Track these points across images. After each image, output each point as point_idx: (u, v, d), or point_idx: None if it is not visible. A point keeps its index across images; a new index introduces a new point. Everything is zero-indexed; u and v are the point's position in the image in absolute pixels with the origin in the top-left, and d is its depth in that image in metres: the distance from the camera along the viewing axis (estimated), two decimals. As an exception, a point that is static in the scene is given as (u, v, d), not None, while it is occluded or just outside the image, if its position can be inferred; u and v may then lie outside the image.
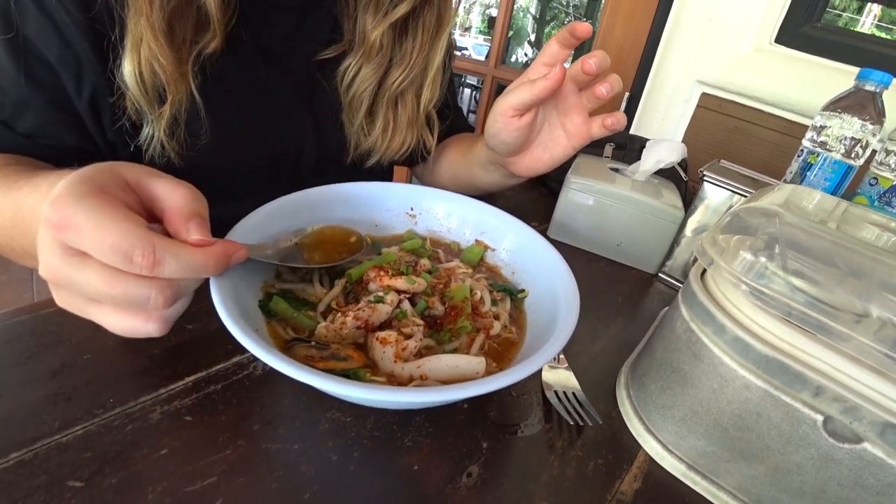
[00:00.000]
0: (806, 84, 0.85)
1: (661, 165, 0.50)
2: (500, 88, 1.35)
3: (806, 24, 0.88)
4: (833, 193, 0.57)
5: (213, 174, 0.39)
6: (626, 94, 1.01)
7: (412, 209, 0.40)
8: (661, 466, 0.28)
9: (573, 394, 0.30)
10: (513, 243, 0.37)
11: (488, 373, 0.26)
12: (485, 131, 0.43)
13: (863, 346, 0.22)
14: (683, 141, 0.93)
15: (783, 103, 0.85)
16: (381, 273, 0.31)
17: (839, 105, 0.57)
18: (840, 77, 0.80)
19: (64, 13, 0.35)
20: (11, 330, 0.30)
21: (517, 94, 0.38)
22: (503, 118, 0.40)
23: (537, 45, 3.35)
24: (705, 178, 0.46)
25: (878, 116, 0.55)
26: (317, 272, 0.32)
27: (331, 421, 0.27)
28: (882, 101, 0.55)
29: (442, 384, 0.25)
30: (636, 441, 0.29)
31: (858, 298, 0.24)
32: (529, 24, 3.50)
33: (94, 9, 0.35)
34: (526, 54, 3.42)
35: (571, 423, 0.28)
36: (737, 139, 0.89)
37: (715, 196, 0.48)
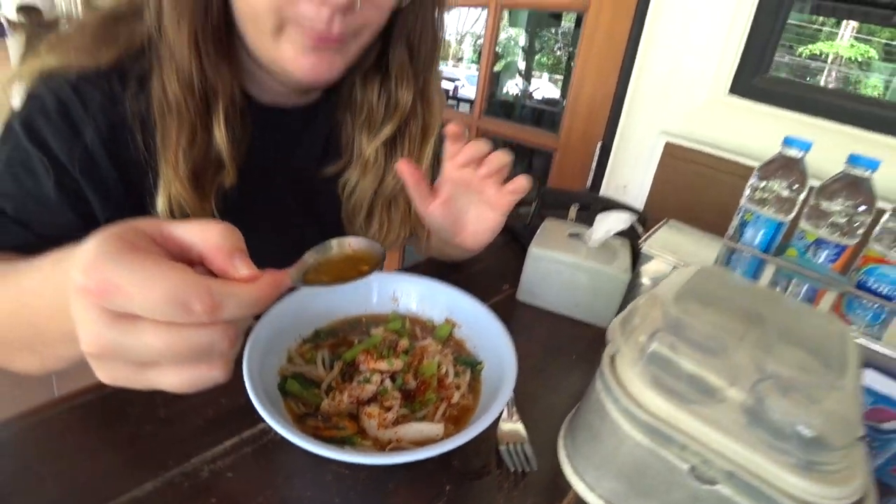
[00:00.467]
0: (760, 131, 0.94)
1: (611, 234, 0.59)
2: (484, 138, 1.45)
3: (756, 75, 0.97)
4: (767, 246, 0.66)
5: None
6: (599, 144, 1.11)
7: (395, 293, 0.49)
8: (586, 503, 0.36)
9: (521, 445, 0.39)
10: (473, 321, 0.46)
11: (446, 435, 0.35)
12: None
13: (712, 415, 0.30)
14: (652, 187, 1.02)
15: (740, 150, 0.94)
16: (369, 357, 0.40)
17: (769, 168, 0.66)
18: (789, 124, 0.90)
19: (104, 162, 0.43)
20: (81, 407, 0.39)
21: (415, 196, 0.50)
22: (426, 217, 0.51)
23: (527, 77, 3.48)
24: (641, 249, 0.55)
25: (802, 178, 0.64)
26: (320, 356, 0.41)
27: (334, 473, 0.35)
28: (805, 164, 0.64)
29: (413, 445, 0.34)
30: (568, 482, 0.37)
31: (718, 377, 0.32)
32: (520, 56, 3.64)
33: (129, 161, 0.44)
34: (517, 85, 3.54)
35: (514, 469, 0.37)
36: (701, 184, 0.98)
37: (652, 263, 0.57)
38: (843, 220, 0.61)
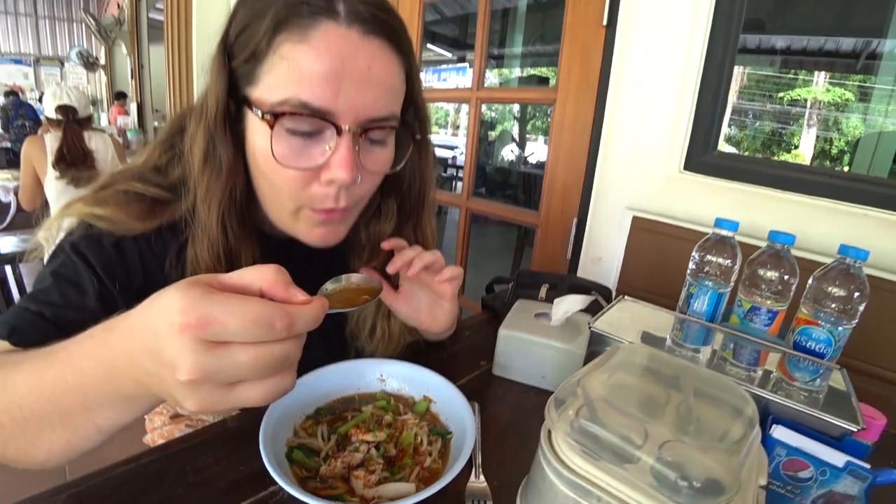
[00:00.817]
0: (713, 201, 1.05)
1: (569, 315, 0.69)
2: (473, 217, 1.58)
3: (705, 153, 1.10)
4: (712, 315, 0.74)
5: None
6: (575, 220, 1.23)
7: (381, 375, 0.59)
8: (538, 552, 0.43)
9: (485, 501, 0.47)
10: (446, 397, 0.55)
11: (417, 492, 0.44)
12: None
13: (624, 475, 0.39)
14: (624, 258, 1.12)
15: (697, 220, 1.05)
16: (359, 430, 0.50)
17: (706, 245, 0.76)
18: (736, 194, 1.01)
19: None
20: (123, 475, 0.47)
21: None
22: (391, 307, 0.62)
23: (521, 144, 3.71)
24: (591, 328, 0.65)
25: (734, 253, 0.74)
26: (319, 430, 0.51)
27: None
28: (735, 242, 0.74)
29: (391, 501, 0.43)
30: (523, 534, 0.45)
31: (631, 443, 0.41)
32: (515, 126, 3.90)
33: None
34: (512, 151, 3.77)
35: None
36: (667, 253, 1.08)
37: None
38: (771, 289, 0.70)
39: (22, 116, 5.77)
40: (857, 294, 0.63)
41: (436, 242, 0.70)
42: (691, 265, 0.77)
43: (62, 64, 12.58)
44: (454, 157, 4.17)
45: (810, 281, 0.68)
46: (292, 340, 0.29)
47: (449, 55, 5.97)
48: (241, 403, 0.30)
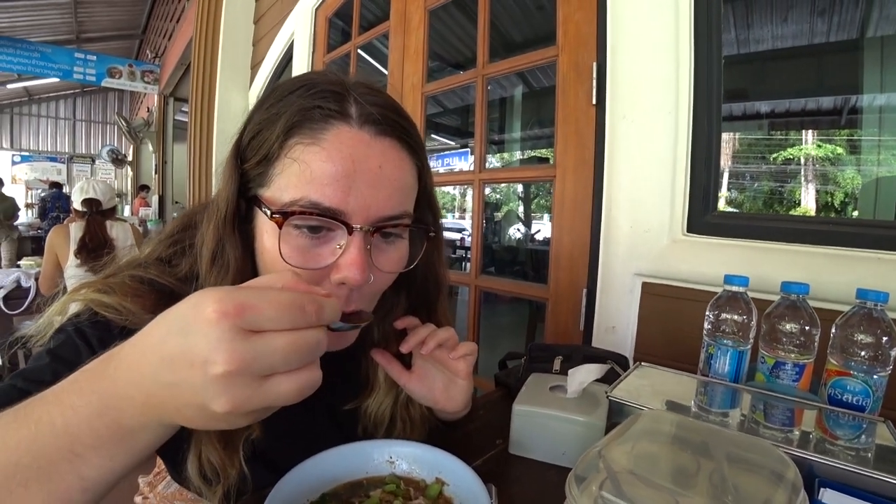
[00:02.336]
0: (720, 261, 1.04)
1: (585, 385, 0.66)
2: (484, 296, 1.58)
3: (706, 214, 1.11)
4: (735, 375, 0.71)
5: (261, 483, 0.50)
6: (585, 290, 1.22)
7: (391, 457, 0.55)
8: None
9: None
10: (459, 480, 0.51)
11: None
12: None
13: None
14: (638, 325, 1.10)
15: (707, 280, 1.03)
16: None
17: (718, 303, 0.74)
18: (743, 251, 1.00)
19: None
20: None
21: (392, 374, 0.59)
22: (404, 388, 0.60)
23: (527, 222, 3.79)
24: (609, 397, 0.62)
25: (747, 309, 0.72)
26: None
27: None
28: (747, 297, 0.72)
29: None
30: None
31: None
32: (520, 206, 4.01)
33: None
34: (518, 230, 3.84)
35: None
36: (681, 316, 1.06)
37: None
38: (793, 341, 0.68)
39: (58, 209, 6.16)
40: (885, 338, 0.61)
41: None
42: (706, 325, 0.75)
43: (93, 161, 13.65)
44: (462, 239, 4.26)
45: (833, 330, 0.66)
46: (321, 328, 0.31)
47: (452, 143, 6.32)
48: (272, 400, 0.29)
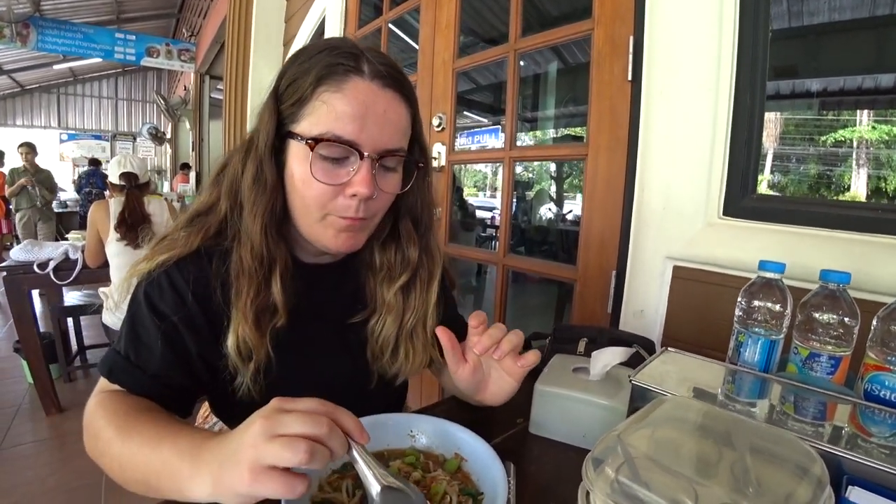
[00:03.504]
0: (757, 247, 1.00)
1: (608, 368, 0.66)
2: (512, 275, 1.57)
3: (744, 197, 1.06)
4: (766, 365, 0.69)
5: (291, 390, 0.60)
6: (614, 273, 1.20)
7: (412, 431, 0.57)
8: None
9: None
10: (478, 457, 0.52)
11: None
12: None
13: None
14: (668, 309, 1.08)
15: (742, 266, 0.99)
16: None
17: (752, 290, 0.72)
18: (782, 236, 0.96)
19: (198, 314, 0.60)
20: None
21: (448, 361, 0.63)
22: (454, 376, 0.63)
23: (559, 201, 3.72)
24: (631, 381, 0.61)
25: (783, 296, 0.69)
26: (345, 485, 0.49)
27: None
28: (783, 285, 0.70)
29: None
30: None
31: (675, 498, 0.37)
32: (552, 185, 3.94)
33: (213, 311, 0.60)
34: (549, 209, 3.79)
35: None
36: (712, 302, 1.03)
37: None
38: (830, 333, 0.65)
39: (91, 185, 6.48)
40: (929, 335, 0.57)
41: (442, 255, 0.76)
42: (738, 311, 0.73)
43: (134, 138, 14.29)
44: (493, 217, 4.22)
45: (874, 322, 0.63)
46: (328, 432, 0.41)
47: (485, 121, 6.22)
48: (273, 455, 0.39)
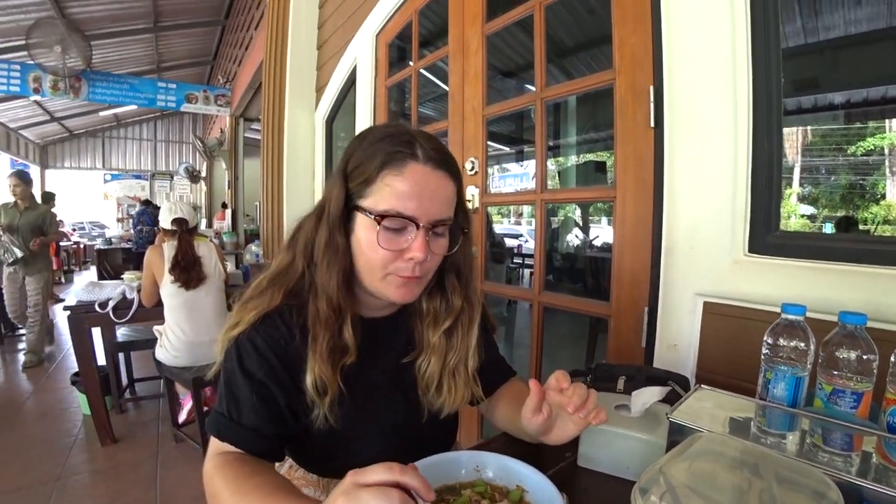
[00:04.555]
0: (783, 282, 1.06)
1: (647, 406, 0.73)
2: (545, 310, 1.65)
3: (767, 234, 1.13)
4: (793, 400, 0.75)
5: (353, 429, 0.74)
6: (646, 309, 1.27)
7: (478, 466, 0.66)
8: None
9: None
10: (537, 488, 0.61)
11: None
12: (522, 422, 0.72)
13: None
14: (700, 345, 1.14)
15: (769, 301, 1.05)
16: None
17: (776, 330, 0.78)
18: (805, 272, 1.02)
19: (283, 373, 0.70)
20: None
21: (526, 407, 0.69)
22: (526, 420, 0.70)
23: (585, 228, 3.79)
24: (669, 418, 0.69)
25: (805, 336, 0.76)
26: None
27: None
28: (805, 325, 0.76)
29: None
30: None
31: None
32: (577, 210, 4.01)
33: (293, 362, 0.70)
34: (577, 236, 3.85)
35: None
36: (742, 336, 1.08)
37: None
38: (851, 370, 0.71)
39: (142, 223, 6.89)
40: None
41: (480, 302, 0.86)
42: (765, 350, 0.79)
43: (171, 177, 15.11)
44: (520, 246, 4.29)
45: (893, 358, 0.68)
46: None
47: (507, 150, 6.37)
48: None
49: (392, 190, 0.68)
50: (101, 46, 7.69)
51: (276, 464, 0.87)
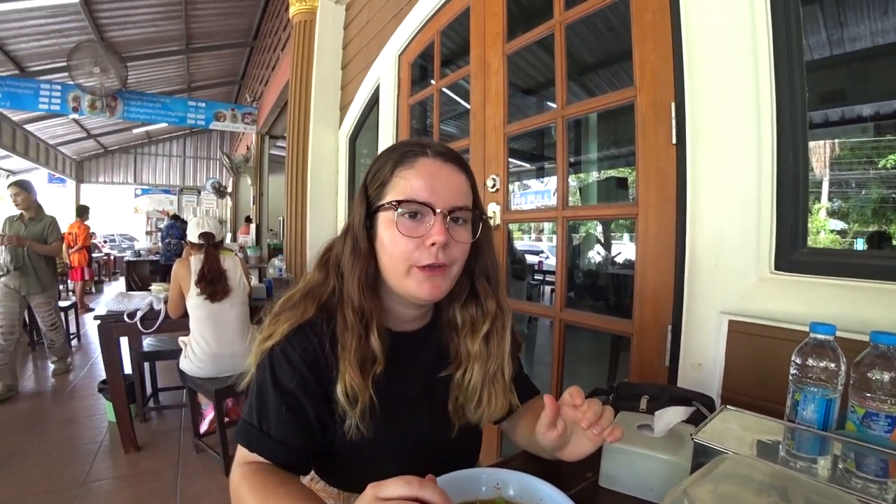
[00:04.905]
0: (811, 300, 1.03)
1: (670, 426, 0.72)
2: (566, 327, 1.64)
3: (795, 251, 1.10)
4: (824, 422, 0.73)
5: (379, 442, 0.74)
6: (670, 327, 1.25)
7: (498, 484, 0.65)
8: None
9: None
10: (557, 505, 0.60)
11: None
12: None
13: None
14: (726, 364, 1.11)
15: (797, 320, 1.02)
16: None
17: (805, 350, 0.76)
18: (835, 290, 0.99)
19: (314, 384, 0.71)
20: None
21: (541, 422, 0.69)
22: (540, 434, 0.70)
23: (606, 245, 3.75)
24: (694, 439, 0.67)
25: (835, 357, 0.74)
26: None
27: None
28: (835, 345, 0.74)
29: None
30: None
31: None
32: (598, 227, 3.98)
33: (323, 374, 0.71)
34: (599, 253, 3.81)
35: None
36: (770, 356, 1.06)
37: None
38: (885, 391, 0.69)
39: (171, 236, 7.13)
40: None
41: (510, 310, 0.85)
42: (793, 370, 0.77)
43: (199, 192, 15.64)
44: (540, 262, 4.27)
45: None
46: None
47: (528, 166, 6.39)
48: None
49: (406, 182, 0.72)
50: (135, 67, 8.05)
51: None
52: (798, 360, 0.76)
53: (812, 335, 0.76)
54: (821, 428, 0.72)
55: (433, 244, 0.70)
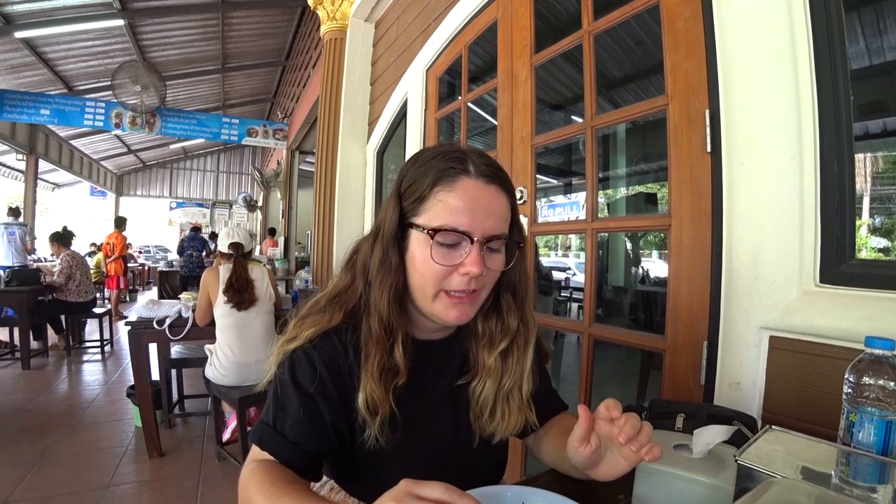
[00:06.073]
0: (862, 315, 0.95)
1: (711, 447, 0.67)
2: (595, 343, 1.58)
3: (842, 263, 1.03)
4: (884, 447, 0.66)
5: (402, 452, 0.72)
6: (705, 343, 1.19)
7: (523, 503, 0.61)
8: None
9: None
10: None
11: None
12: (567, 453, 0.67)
13: None
14: (767, 382, 1.05)
15: (847, 336, 0.94)
16: None
17: (860, 367, 0.70)
18: (888, 303, 0.92)
19: (333, 391, 0.70)
20: None
21: (573, 436, 0.65)
22: (572, 449, 0.65)
23: (636, 262, 3.66)
24: (737, 461, 0.62)
25: (895, 374, 0.67)
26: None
27: None
28: (894, 361, 0.68)
29: None
30: None
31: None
32: (628, 243, 3.90)
33: (344, 383, 0.70)
34: (629, 268, 3.73)
35: None
36: (817, 375, 0.99)
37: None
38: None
39: (192, 248, 7.31)
40: None
41: (535, 325, 0.83)
42: (847, 389, 0.71)
43: (230, 206, 16.16)
44: (567, 279, 4.18)
45: None
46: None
47: (555, 182, 6.34)
48: None
49: (445, 206, 0.68)
50: (174, 86, 8.42)
51: (318, 484, 0.86)
52: (852, 379, 0.70)
53: (868, 350, 0.70)
54: (880, 453, 0.66)
55: (466, 273, 0.67)
